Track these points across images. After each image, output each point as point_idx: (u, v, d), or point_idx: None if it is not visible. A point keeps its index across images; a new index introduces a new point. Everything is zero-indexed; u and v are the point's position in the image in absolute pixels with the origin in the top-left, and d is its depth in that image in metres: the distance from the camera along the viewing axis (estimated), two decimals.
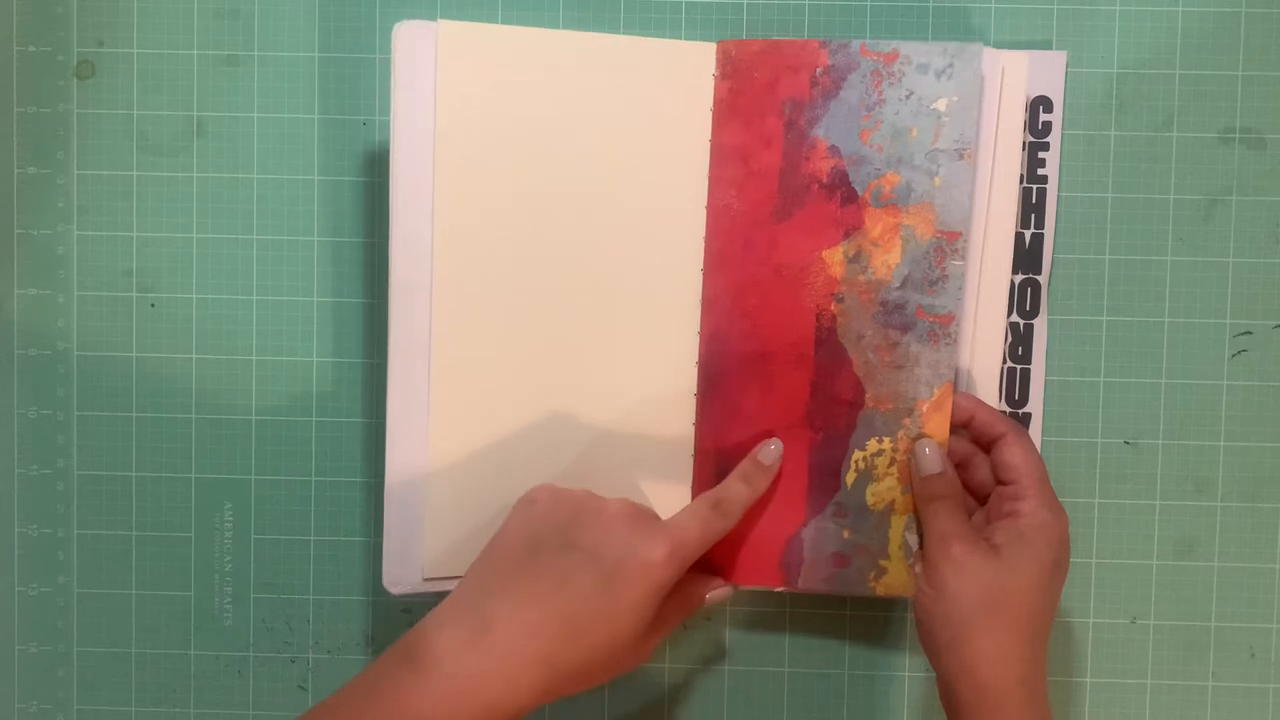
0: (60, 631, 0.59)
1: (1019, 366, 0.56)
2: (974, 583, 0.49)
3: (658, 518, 0.51)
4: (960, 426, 0.53)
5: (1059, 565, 0.50)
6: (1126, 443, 0.58)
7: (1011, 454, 0.51)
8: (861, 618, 0.59)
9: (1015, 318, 0.56)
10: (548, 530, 0.49)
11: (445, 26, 0.52)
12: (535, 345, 0.54)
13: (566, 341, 0.54)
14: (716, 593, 0.54)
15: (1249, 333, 0.58)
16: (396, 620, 0.59)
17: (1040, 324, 0.56)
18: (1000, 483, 0.52)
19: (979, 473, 0.53)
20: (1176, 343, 0.58)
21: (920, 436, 0.53)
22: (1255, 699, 0.59)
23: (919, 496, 0.52)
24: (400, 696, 0.46)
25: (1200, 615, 0.58)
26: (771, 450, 0.54)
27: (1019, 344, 0.56)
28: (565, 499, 0.51)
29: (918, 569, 0.51)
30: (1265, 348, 0.58)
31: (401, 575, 0.54)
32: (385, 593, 0.57)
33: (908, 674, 0.59)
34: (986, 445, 0.53)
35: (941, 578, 0.49)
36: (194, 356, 0.59)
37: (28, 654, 0.59)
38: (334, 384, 0.58)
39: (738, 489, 0.53)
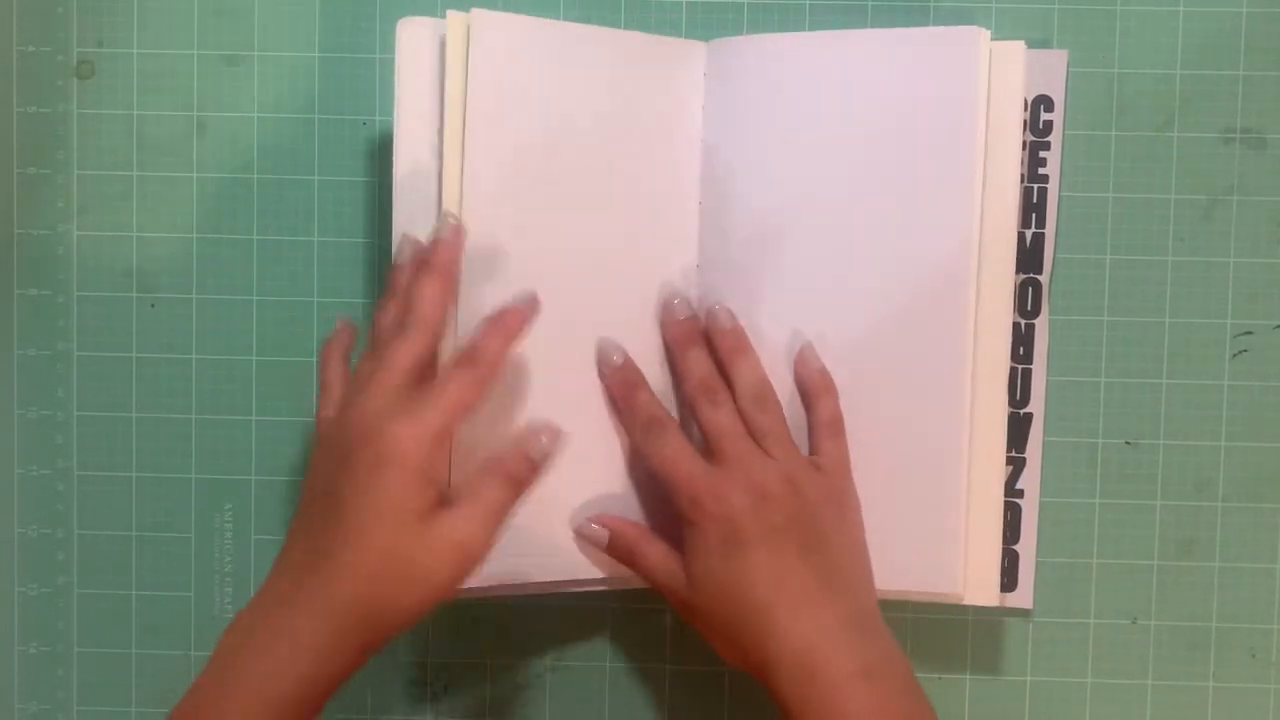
0: (60, 632, 0.59)
1: (1019, 366, 0.56)
2: (683, 600, 0.50)
3: (400, 399, 0.46)
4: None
5: (724, 544, 0.49)
6: (1127, 443, 0.58)
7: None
8: None
9: (1015, 318, 0.56)
10: (306, 483, 0.48)
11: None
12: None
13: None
14: (544, 443, 0.48)
15: (1249, 333, 0.58)
16: None
17: (1041, 324, 0.56)
18: None
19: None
20: (1177, 343, 0.58)
21: None
22: (1255, 699, 0.59)
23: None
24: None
25: (1200, 615, 0.58)
26: (526, 293, 0.49)
27: (1019, 344, 0.56)
28: (319, 444, 0.49)
29: None
30: (1266, 348, 0.58)
31: None
32: None
33: None
34: None
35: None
36: (194, 356, 0.59)
37: (28, 654, 0.59)
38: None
39: (489, 334, 0.48)
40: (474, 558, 0.46)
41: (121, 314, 0.59)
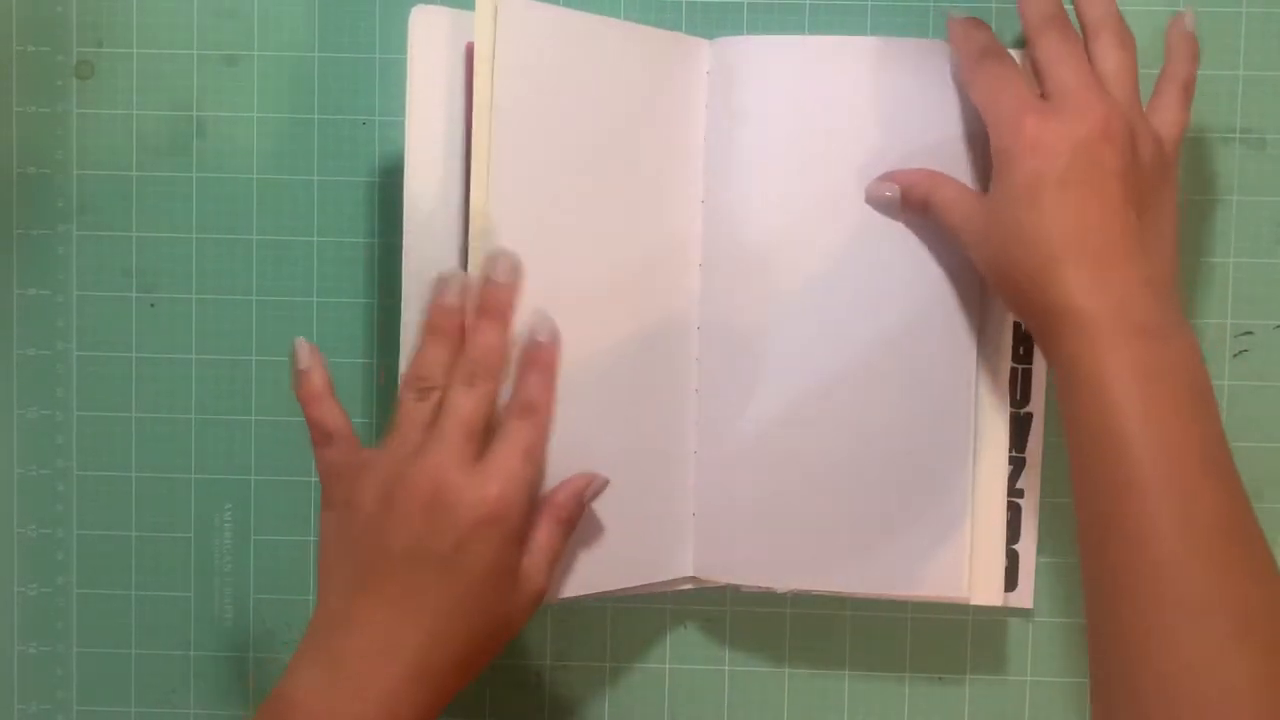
0: (60, 632, 0.59)
1: (1020, 366, 0.56)
2: (975, 242, 0.48)
3: (473, 457, 0.46)
4: None
5: (1036, 181, 0.45)
6: None
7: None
8: (862, 618, 0.59)
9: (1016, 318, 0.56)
10: (369, 537, 0.46)
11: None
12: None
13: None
14: (594, 486, 0.49)
15: (1249, 333, 0.58)
16: None
17: None
18: None
19: None
20: None
21: None
22: None
23: (965, 66, 0.51)
24: None
25: None
26: (546, 324, 0.48)
27: (1020, 344, 0.56)
28: (370, 493, 0.46)
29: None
30: (1266, 348, 0.58)
31: None
32: None
33: (908, 674, 0.59)
34: None
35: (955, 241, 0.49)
36: (194, 356, 0.59)
37: (27, 654, 0.59)
38: (334, 384, 0.58)
39: (535, 381, 0.48)
40: (542, 602, 0.48)
41: (121, 314, 0.59)
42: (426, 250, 0.52)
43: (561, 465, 0.51)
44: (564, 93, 0.52)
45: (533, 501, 0.47)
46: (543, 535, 0.48)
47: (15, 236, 0.58)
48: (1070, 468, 0.45)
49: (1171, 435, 0.42)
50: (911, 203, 0.52)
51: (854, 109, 0.53)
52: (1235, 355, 0.58)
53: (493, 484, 0.45)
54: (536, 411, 0.47)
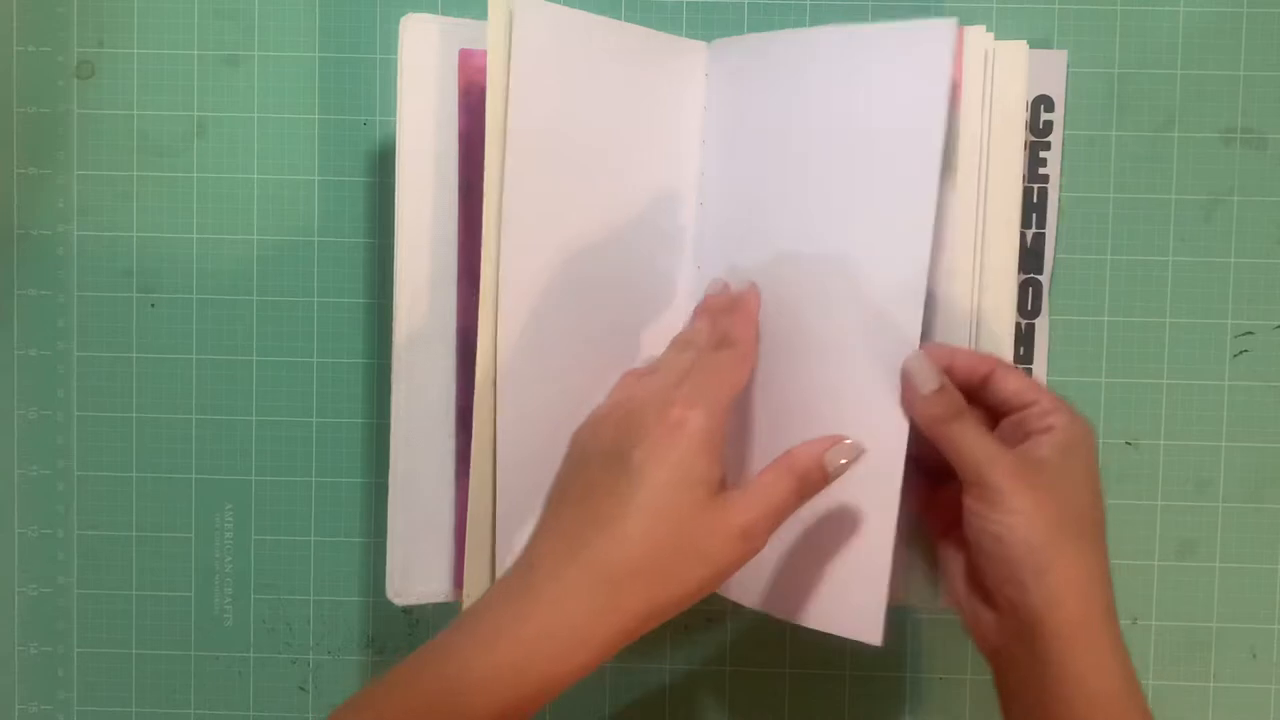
0: (60, 632, 0.59)
1: (1020, 366, 0.56)
2: (1047, 503, 0.45)
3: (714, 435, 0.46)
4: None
5: (1099, 476, 0.48)
6: (1127, 443, 0.58)
7: (1012, 380, 0.48)
8: None
9: (1015, 318, 0.56)
10: (580, 454, 0.48)
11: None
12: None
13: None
14: (842, 450, 0.47)
15: (1250, 333, 0.58)
16: (397, 621, 0.59)
17: (1041, 324, 0.56)
18: (1010, 413, 0.48)
19: None
20: (1177, 343, 0.58)
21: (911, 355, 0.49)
22: (1256, 699, 0.59)
23: (929, 423, 0.48)
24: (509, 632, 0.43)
25: (1201, 616, 0.58)
26: (749, 283, 0.52)
27: (1020, 344, 0.56)
28: (617, 415, 0.47)
29: (971, 503, 0.47)
30: (1266, 348, 0.58)
31: (405, 587, 0.53)
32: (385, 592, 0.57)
33: (908, 674, 0.59)
34: (975, 388, 0.49)
35: (1012, 501, 0.45)
36: (194, 356, 0.59)
37: (27, 654, 0.59)
38: (334, 384, 0.58)
39: (737, 320, 0.51)
40: (753, 549, 0.45)
41: (121, 314, 0.59)
42: (419, 255, 0.53)
43: (550, 451, 0.50)
44: (571, 92, 0.52)
45: (724, 422, 0.46)
46: (766, 477, 0.46)
47: (15, 236, 0.58)
48: None
49: None
50: (937, 409, 0.48)
51: (854, 101, 0.52)
52: (1235, 355, 0.58)
53: (680, 392, 0.46)
54: (734, 344, 0.49)
